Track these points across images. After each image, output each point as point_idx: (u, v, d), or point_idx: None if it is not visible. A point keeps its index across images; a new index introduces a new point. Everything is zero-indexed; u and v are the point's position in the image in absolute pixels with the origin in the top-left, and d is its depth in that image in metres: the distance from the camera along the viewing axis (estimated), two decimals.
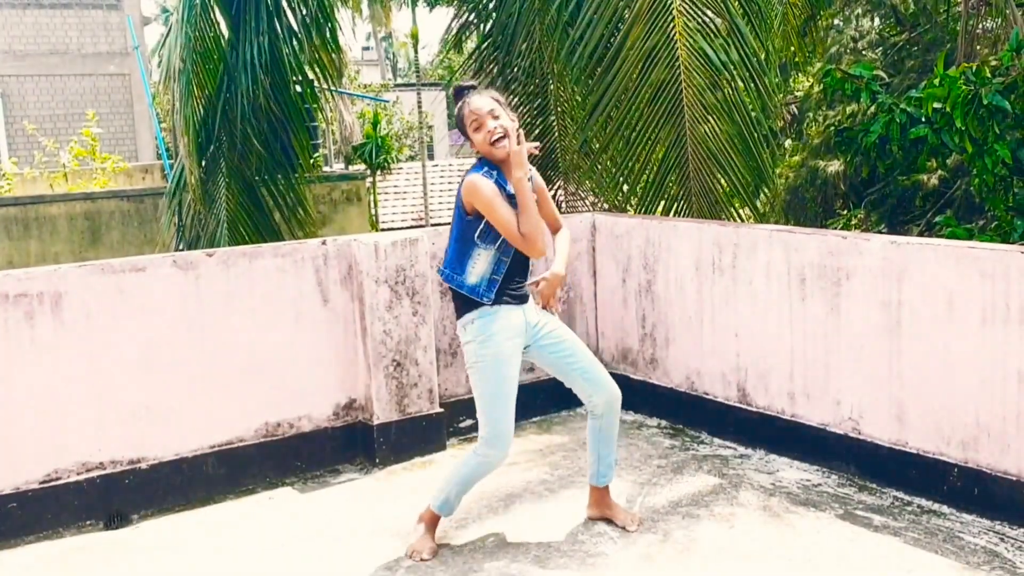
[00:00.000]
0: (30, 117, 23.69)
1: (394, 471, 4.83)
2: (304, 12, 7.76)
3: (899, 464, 4.26)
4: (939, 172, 10.41)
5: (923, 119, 6.44)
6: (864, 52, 13.97)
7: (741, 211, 6.52)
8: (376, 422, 4.88)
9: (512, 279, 3.73)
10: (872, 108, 7.08)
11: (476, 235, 3.67)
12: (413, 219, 24.90)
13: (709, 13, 6.02)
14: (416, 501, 4.28)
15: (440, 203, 25.03)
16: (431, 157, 30.19)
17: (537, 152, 3.86)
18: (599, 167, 7.05)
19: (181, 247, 8.43)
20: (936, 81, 6.31)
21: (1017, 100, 6.10)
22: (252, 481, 4.71)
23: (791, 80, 14.63)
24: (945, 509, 4.07)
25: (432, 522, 3.92)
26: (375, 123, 25.61)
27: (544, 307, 3.87)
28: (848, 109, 10.73)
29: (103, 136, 21.18)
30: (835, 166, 12.74)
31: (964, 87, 6.12)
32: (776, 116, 7.59)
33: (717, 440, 5.06)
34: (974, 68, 6.26)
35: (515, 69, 7.29)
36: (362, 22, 43.12)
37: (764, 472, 4.60)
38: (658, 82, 5.95)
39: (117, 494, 4.39)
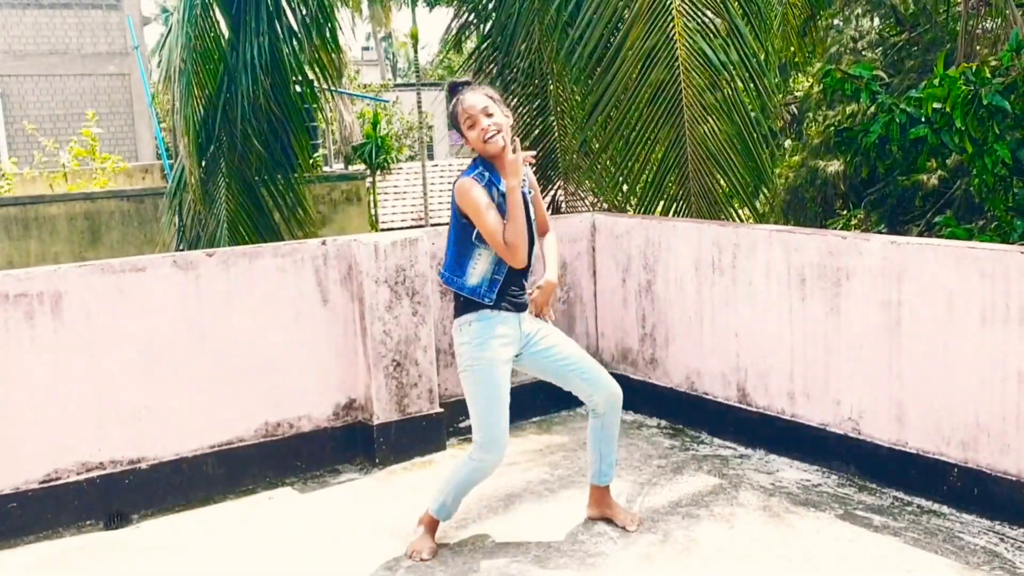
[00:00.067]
0: (30, 117, 23.70)
1: (394, 471, 4.83)
2: (304, 12, 7.77)
3: (899, 464, 4.26)
4: (939, 172, 10.40)
5: (923, 119, 6.44)
6: (864, 52, 13.97)
7: (741, 211, 6.52)
8: (376, 422, 4.88)
9: (512, 281, 3.73)
10: (872, 108, 7.08)
11: (474, 236, 3.68)
12: (413, 219, 24.91)
13: (709, 13, 6.02)
14: (416, 501, 4.28)
15: (440, 203, 25.03)
16: (431, 157, 30.16)
17: (534, 161, 3.87)
18: (598, 167, 7.04)
19: (181, 247, 8.43)
20: (936, 81, 6.31)
21: (1017, 100, 6.09)
22: (252, 481, 4.72)
23: (791, 80, 14.64)
24: (945, 509, 4.08)
25: (431, 526, 3.93)
26: (375, 123, 25.63)
27: (538, 315, 3.87)
28: (848, 109, 10.75)
29: (103, 136, 21.17)
30: (835, 166, 12.73)
31: (964, 87, 6.12)
32: (776, 116, 7.59)
33: (717, 440, 5.06)
34: (974, 68, 6.25)
35: (514, 69, 7.28)
36: (362, 22, 43.14)
37: (764, 472, 4.61)
38: (657, 82, 5.95)
39: (117, 494, 4.39)
